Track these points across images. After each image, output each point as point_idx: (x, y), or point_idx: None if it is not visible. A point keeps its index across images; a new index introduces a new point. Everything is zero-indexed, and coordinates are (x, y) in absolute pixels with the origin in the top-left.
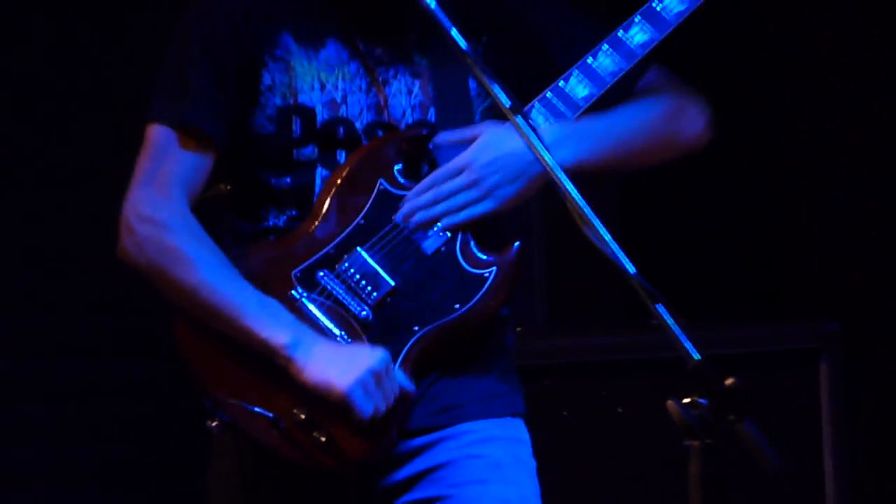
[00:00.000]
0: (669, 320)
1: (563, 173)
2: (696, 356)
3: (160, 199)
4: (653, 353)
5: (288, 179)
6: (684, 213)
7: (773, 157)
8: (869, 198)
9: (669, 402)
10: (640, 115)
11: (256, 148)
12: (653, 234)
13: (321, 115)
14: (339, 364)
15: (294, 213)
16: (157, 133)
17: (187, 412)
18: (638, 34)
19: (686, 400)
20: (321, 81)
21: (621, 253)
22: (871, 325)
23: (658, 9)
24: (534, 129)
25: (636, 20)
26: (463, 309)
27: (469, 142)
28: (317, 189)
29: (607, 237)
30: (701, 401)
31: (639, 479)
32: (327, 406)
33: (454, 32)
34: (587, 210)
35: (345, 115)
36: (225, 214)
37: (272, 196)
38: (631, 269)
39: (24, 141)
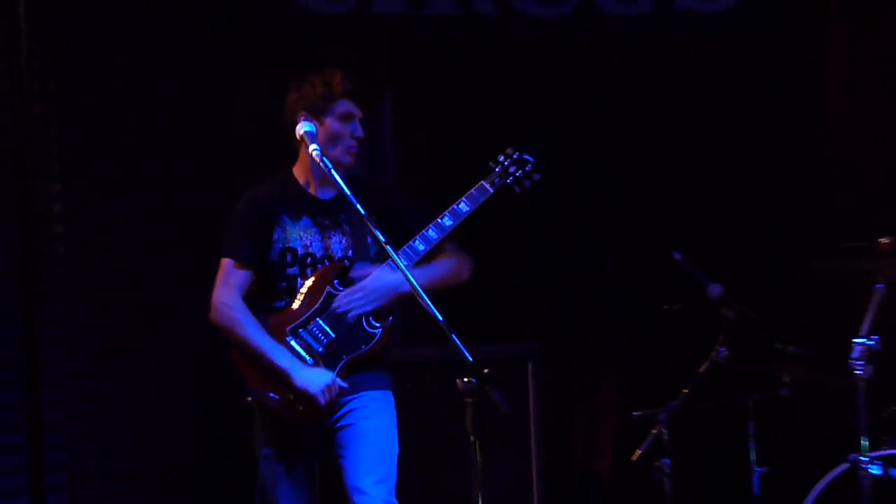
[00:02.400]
0: (458, 341)
1: (416, 285)
2: (470, 358)
3: (229, 295)
4: (450, 357)
5: (283, 284)
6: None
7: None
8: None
9: (457, 380)
10: (443, 271)
11: (269, 268)
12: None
13: (300, 252)
14: (311, 380)
15: (287, 300)
16: (226, 262)
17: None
18: (448, 219)
19: (465, 379)
20: (300, 236)
21: (434, 309)
22: (559, 344)
23: (458, 208)
24: (399, 266)
25: (448, 213)
26: (367, 348)
27: (368, 274)
28: (298, 288)
29: (429, 303)
30: (472, 380)
31: (443, 417)
32: (304, 395)
33: (366, 217)
34: (423, 295)
35: (311, 251)
36: (255, 299)
37: (276, 292)
38: (440, 317)
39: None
